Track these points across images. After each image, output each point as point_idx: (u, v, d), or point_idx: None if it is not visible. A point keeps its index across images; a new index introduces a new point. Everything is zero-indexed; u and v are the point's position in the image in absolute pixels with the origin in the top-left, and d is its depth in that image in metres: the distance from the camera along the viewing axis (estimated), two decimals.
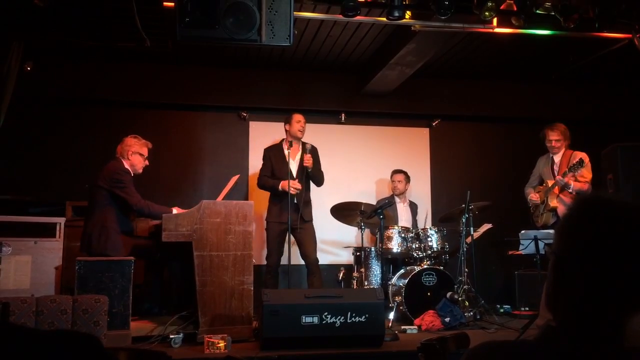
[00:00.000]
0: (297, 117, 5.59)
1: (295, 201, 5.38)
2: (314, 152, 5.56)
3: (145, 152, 4.92)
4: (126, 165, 4.80)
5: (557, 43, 5.63)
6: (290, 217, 5.15)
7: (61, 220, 5.10)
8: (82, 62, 6.28)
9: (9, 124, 5.11)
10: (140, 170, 4.92)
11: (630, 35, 4.81)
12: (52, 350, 1.03)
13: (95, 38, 5.38)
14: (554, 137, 5.60)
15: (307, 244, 5.49)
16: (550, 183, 5.50)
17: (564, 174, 5.35)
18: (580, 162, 5.18)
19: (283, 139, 5.65)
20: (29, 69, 5.54)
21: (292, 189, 5.21)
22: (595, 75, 6.82)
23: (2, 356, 1.00)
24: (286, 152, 5.48)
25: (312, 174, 5.53)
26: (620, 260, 1.02)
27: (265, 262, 5.59)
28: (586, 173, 5.40)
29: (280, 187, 5.36)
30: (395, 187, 6.45)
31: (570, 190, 5.31)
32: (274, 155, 5.59)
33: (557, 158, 5.67)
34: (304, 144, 5.54)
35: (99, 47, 5.71)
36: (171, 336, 4.02)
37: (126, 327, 4.14)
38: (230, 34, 3.49)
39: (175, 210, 4.57)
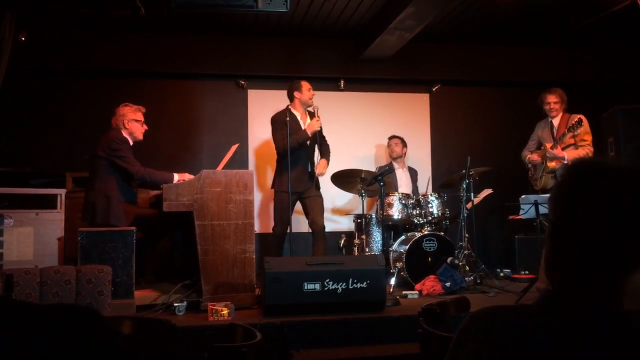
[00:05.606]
0: (308, 85, 5.46)
1: (310, 169, 5.35)
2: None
3: (140, 117, 4.84)
4: (125, 134, 4.76)
5: (558, 5, 5.55)
6: (306, 184, 5.16)
7: (62, 192, 5.09)
8: (77, 31, 6.19)
9: (5, 95, 5.07)
10: (141, 137, 4.86)
11: None
12: (51, 326, 1.03)
13: (90, 7, 5.29)
14: (552, 99, 5.62)
15: (317, 211, 5.40)
16: (549, 146, 5.49)
17: (560, 138, 5.37)
18: (579, 122, 5.21)
19: (287, 106, 5.44)
20: (23, 39, 5.47)
21: (316, 124, 5.24)
22: (597, 37, 6.73)
23: (1, 333, 1.00)
24: (298, 116, 5.38)
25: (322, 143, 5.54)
26: (613, 222, 1.03)
27: (260, 230, 5.53)
28: (586, 136, 5.42)
29: (309, 132, 5.27)
30: (392, 150, 6.43)
31: (565, 162, 5.28)
32: (287, 121, 5.24)
33: (555, 122, 5.66)
34: (309, 111, 5.47)
35: (93, 16, 5.62)
36: (175, 304, 4.06)
37: (130, 296, 4.17)
38: (225, 0, 3.43)
39: (176, 175, 4.57)
